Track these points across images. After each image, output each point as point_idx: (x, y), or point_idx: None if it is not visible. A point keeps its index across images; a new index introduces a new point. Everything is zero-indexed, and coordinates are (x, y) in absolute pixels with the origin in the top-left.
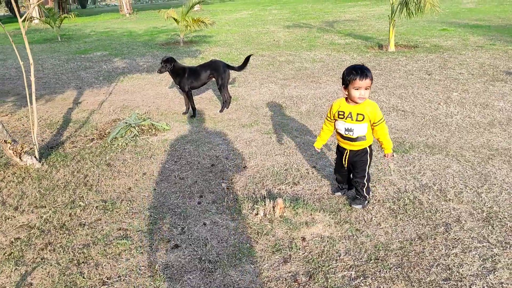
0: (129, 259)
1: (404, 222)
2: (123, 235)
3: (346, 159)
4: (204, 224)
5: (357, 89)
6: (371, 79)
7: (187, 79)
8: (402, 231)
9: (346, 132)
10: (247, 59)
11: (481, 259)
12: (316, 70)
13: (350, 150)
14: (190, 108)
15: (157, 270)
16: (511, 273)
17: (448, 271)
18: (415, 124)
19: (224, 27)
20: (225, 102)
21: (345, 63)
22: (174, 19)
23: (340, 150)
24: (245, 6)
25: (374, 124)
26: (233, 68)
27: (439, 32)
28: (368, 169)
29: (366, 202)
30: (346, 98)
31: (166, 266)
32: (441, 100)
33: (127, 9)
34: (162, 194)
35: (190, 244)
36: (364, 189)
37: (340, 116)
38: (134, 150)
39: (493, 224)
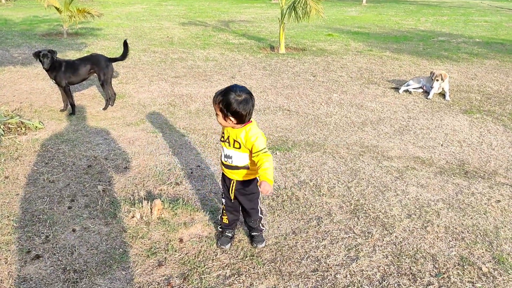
0: None
1: (280, 218)
2: None
3: (232, 191)
4: (73, 230)
5: None
6: (217, 104)
7: (64, 73)
8: (278, 227)
9: (225, 159)
10: (125, 45)
11: (346, 249)
12: (209, 69)
13: (236, 181)
14: (69, 105)
15: (11, 285)
16: (371, 261)
17: (316, 263)
18: (299, 123)
19: (115, 20)
20: (109, 99)
21: (237, 63)
22: (56, 8)
23: (225, 181)
24: None
25: (253, 155)
26: (116, 59)
27: (325, 37)
28: (260, 201)
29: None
30: None
31: (24, 279)
32: (323, 101)
33: None
34: (27, 199)
35: (54, 254)
36: (260, 224)
37: (221, 138)
38: None
39: (358, 215)
